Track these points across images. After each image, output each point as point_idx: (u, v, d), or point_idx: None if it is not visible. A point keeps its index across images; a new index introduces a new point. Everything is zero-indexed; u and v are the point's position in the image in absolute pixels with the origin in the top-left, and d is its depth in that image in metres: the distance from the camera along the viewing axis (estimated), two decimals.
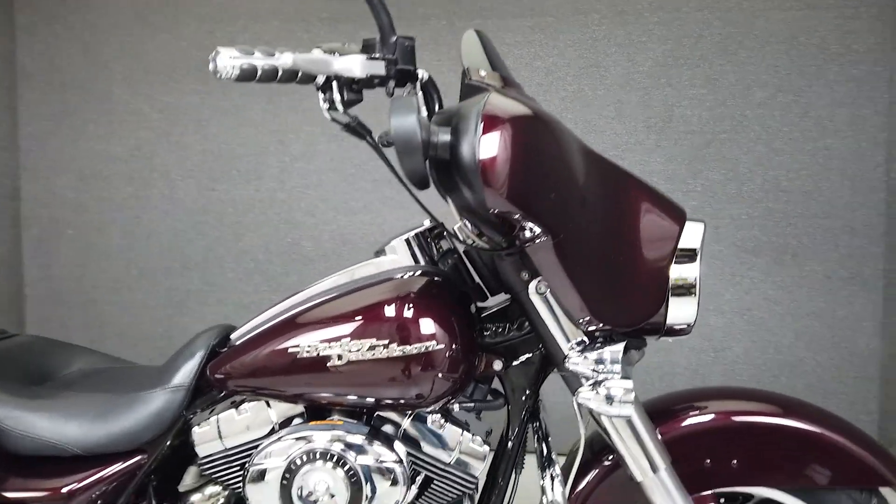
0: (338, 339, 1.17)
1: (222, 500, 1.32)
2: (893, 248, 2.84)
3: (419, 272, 1.23)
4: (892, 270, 2.85)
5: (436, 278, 1.23)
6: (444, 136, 1.03)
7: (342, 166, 3.20)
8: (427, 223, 1.32)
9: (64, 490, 1.22)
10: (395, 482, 1.16)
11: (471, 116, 1.00)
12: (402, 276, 1.23)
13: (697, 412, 1.27)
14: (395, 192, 3.14)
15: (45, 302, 3.35)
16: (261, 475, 1.18)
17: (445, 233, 1.29)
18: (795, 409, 1.27)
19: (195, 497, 1.32)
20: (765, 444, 1.23)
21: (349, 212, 3.21)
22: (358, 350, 1.16)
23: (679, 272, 1.11)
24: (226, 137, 3.25)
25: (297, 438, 1.17)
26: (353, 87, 1.11)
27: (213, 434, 1.26)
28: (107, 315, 3.33)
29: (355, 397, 1.21)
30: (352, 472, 1.15)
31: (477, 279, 1.29)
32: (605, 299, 1.13)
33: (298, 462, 1.16)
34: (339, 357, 1.16)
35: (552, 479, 1.21)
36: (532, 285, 1.14)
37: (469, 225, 1.18)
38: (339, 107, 1.11)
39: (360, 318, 1.18)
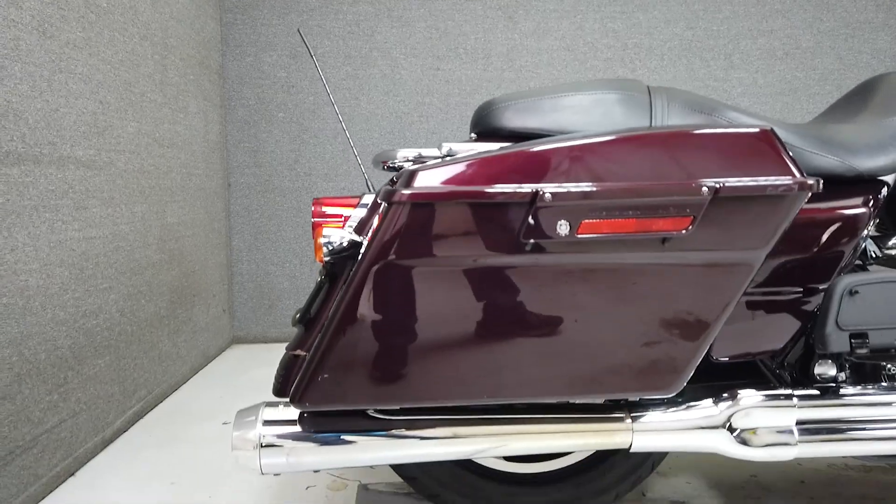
0: None
1: None
2: None
3: None
4: None
5: None
6: None
7: (574, 44, 3.13)
8: None
9: (855, 212, 1.17)
10: None
11: None
12: None
13: None
14: (628, 72, 3.14)
15: (252, 189, 3.10)
16: None
17: None
18: None
19: None
20: None
21: None
22: None
23: None
24: (451, 13, 3.10)
25: None
26: None
27: None
28: None
29: None
30: None
31: None
32: None
33: None
34: None
35: None
36: None
37: None
38: None
39: None
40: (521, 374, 0.98)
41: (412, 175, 0.95)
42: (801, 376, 1.21)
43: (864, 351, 1.08)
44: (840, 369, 1.20)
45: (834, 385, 1.18)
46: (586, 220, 0.93)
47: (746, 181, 0.94)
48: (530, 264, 0.95)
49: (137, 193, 2.07)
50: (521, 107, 1.21)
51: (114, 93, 1.93)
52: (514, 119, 1.20)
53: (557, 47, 3.13)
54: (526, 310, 0.96)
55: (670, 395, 1.04)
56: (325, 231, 1.16)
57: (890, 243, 1.31)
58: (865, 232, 1.19)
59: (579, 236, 0.94)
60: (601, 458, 1.32)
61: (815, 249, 1.15)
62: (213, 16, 2.91)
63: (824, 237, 1.15)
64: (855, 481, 1.55)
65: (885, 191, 1.23)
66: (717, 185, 0.93)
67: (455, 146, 1.20)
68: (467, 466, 1.31)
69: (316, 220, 1.25)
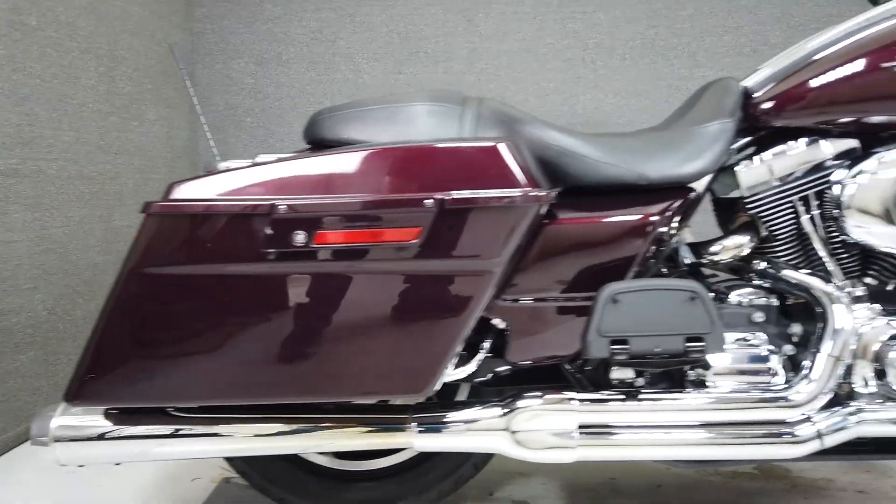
0: None
1: (747, 251, 1.30)
2: None
3: None
4: None
5: None
6: None
7: (534, 46, 3.14)
8: None
9: (642, 219, 1.17)
10: None
11: None
12: None
13: None
14: (589, 72, 3.13)
15: None
16: (871, 185, 1.17)
17: None
18: None
19: (725, 243, 1.30)
20: None
21: (541, 93, 3.16)
22: None
23: None
24: (412, 18, 3.15)
25: None
26: None
27: (762, 171, 1.25)
28: None
29: None
30: None
31: None
32: None
33: None
34: None
35: None
36: None
37: None
38: None
39: None
40: (273, 375, 1.04)
41: (169, 187, 1.02)
42: (602, 380, 1.23)
43: (623, 357, 1.09)
44: (639, 374, 1.21)
45: (632, 389, 1.20)
46: (321, 231, 0.98)
47: (473, 193, 0.98)
48: (275, 272, 1.01)
49: (74, 199, 2.20)
50: (341, 118, 1.26)
51: (44, 105, 2.06)
52: (334, 129, 1.25)
53: (518, 49, 3.15)
54: (273, 315, 1.02)
55: (420, 397, 1.08)
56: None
57: (711, 249, 1.31)
58: (661, 237, 1.20)
59: (315, 246, 0.99)
60: (425, 458, 1.36)
61: (607, 256, 1.16)
62: (180, 25, 3.04)
63: (614, 244, 1.16)
64: (714, 486, 1.54)
65: (692, 196, 1.23)
66: (443, 198, 0.97)
67: (266, 158, 1.26)
68: (295, 462, 1.37)
69: None
